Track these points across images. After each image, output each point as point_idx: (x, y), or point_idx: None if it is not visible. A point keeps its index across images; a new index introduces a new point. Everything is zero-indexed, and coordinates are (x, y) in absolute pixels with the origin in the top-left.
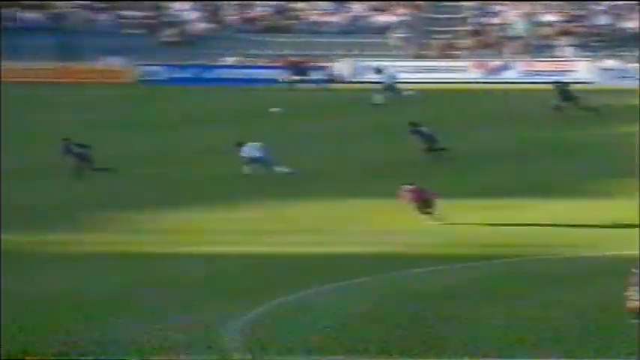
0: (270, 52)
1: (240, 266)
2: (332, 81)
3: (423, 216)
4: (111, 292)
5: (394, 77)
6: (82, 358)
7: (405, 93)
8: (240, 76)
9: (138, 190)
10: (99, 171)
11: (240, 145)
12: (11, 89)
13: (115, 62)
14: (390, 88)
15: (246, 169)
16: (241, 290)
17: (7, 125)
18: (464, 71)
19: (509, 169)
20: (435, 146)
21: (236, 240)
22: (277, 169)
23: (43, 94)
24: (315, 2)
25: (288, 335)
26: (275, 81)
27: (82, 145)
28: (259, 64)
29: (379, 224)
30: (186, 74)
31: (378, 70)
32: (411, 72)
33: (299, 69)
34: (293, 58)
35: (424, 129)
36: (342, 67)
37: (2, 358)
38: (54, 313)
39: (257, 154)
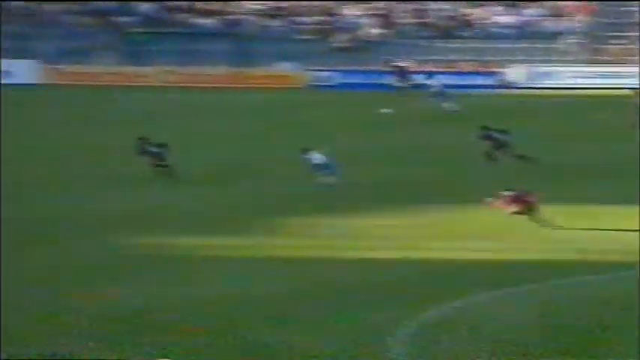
0: (442, 57)
1: (407, 272)
2: (504, 86)
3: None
4: (291, 294)
5: (443, 84)
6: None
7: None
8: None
9: (313, 194)
10: (163, 168)
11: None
12: (184, 94)
13: (286, 67)
14: (440, 94)
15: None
16: (413, 296)
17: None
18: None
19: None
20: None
21: (404, 245)
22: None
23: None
24: (488, 6)
25: (457, 342)
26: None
27: (159, 145)
28: (431, 69)
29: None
30: (358, 79)
31: (429, 76)
32: (585, 77)
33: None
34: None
35: (496, 134)
36: (515, 72)
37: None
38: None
39: (321, 161)
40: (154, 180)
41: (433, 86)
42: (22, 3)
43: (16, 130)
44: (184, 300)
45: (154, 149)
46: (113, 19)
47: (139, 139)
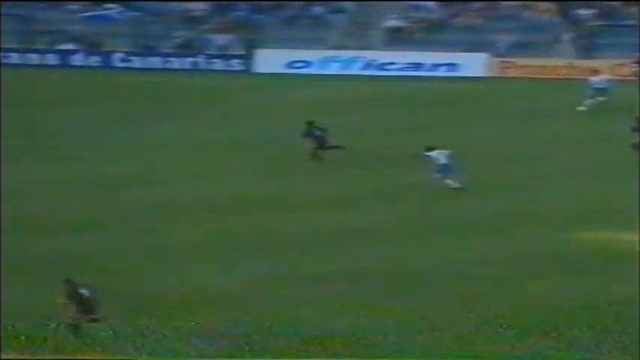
0: None
1: None
2: None
3: None
4: None
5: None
6: None
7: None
8: None
9: None
10: (330, 149)
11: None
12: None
13: None
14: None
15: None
16: None
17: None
18: None
19: None
20: None
21: None
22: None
23: None
24: None
25: None
26: None
27: (321, 129)
28: None
29: None
30: None
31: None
32: None
33: None
34: None
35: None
36: None
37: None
38: None
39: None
40: None
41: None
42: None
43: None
44: None
45: (318, 133)
46: (572, 12)
47: (307, 122)
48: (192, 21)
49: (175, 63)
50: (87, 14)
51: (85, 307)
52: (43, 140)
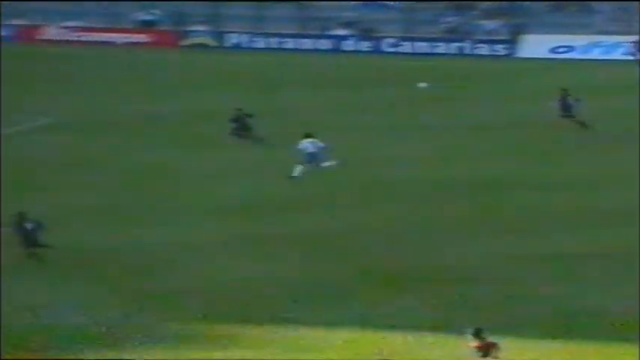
0: None
1: None
2: None
3: None
4: None
5: None
6: None
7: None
8: None
9: None
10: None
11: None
12: None
13: None
14: None
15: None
16: None
17: None
18: None
19: None
20: None
21: None
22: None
23: None
24: None
25: None
26: None
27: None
28: None
29: None
30: None
31: None
32: None
33: None
34: None
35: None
36: None
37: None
38: None
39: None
40: None
41: None
42: None
43: None
44: None
45: None
46: None
47: None
48: (461, 7)
49: (442, 48)
50: (360, 1)
51: (28, 239)
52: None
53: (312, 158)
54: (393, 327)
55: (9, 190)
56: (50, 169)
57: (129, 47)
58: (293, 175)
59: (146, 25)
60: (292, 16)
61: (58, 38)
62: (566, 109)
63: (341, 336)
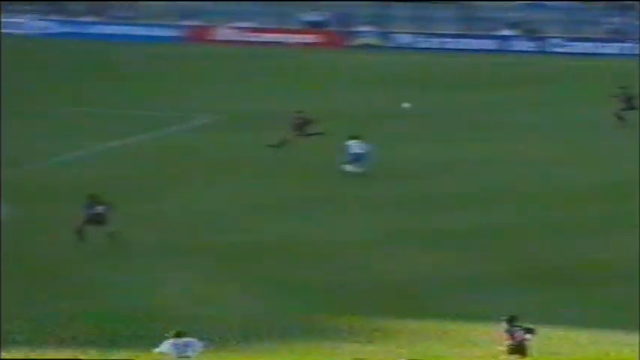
0: None
1: None
2: None
3: None
4: None
5: None
6: None
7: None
8: None
9: None
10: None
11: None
12: None
13: None
14: None
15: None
16: None
17: None
18: None
19: None
20: None
21: None
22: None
23: None
24: None
25: None
26: None
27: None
28: None
29: None
30: None
31: None
32: None
33: None
34: None
35: None
36: None
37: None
38: None
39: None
40: None
41: None
42: None
43: None
44: None
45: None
46: None
47: None
48: (624, 7)
49: (606, 48)
50: (524, 1)
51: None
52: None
53: (358, 158)
54: (549, 322)
55: (182, 185)
56: (217, 165)
57: (298, 47)
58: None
59: (313, 26)
60: (456, 17)
61: (229, 39)
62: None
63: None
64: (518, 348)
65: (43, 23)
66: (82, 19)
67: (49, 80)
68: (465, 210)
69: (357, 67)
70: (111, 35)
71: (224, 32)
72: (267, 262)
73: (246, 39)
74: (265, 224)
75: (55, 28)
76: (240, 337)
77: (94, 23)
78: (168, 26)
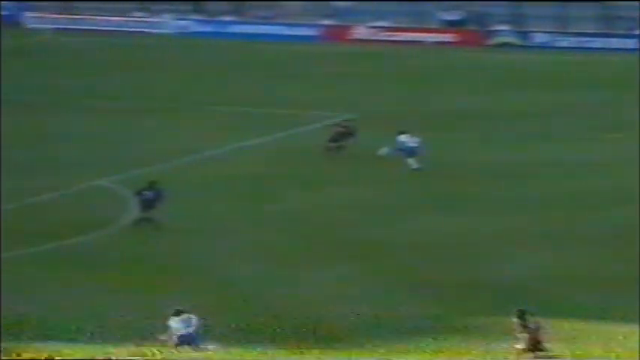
0: None
1: None
2: None
3: None
4: None
5: None
6: None
7: None
8: None
9: None
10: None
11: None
12: None
13: None
14: None
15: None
16: None
17: None
18: None
19: None
20: None
21: None
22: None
23: None
24: None
25: None
26: None
27: None
28: None
29: None
30: None
31: None
32: None
33: None
34: None
35: None
36: None
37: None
38: None
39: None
40: None
41: None
42: None
43: None
44: None
45: None
46: None
47: None
48: None
49: None
50: None
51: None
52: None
53: (411, 153)
54: None
55: (318, 182)
56: (355, 162)
57: (436, 47)
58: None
59: (451, 25)
60: (595, 16)
61: (367, 38)
62: None
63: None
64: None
65: (183, 22)
66: (222, 18)
67: (190, 78)
68: (609, 210)
69: (494, 66)
70: (250, 34)
71: (362, 31)
72: (402, 259)
73: (383, 38)
74: (404, 222)
75: (195, 28)
76: (372, 334)
77: (234, 23)
78: (307, 26)
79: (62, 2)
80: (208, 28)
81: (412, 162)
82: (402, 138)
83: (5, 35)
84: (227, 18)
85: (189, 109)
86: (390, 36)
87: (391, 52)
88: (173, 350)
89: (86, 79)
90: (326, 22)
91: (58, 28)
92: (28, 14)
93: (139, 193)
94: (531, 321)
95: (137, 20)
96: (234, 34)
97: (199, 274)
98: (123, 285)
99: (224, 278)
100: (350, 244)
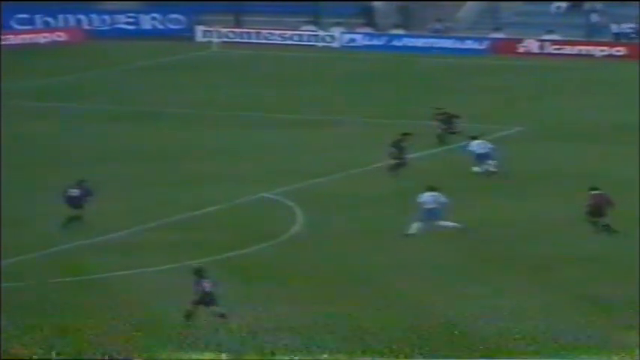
0: None
1: None
2: None
3: None
4: None
5: None
6: None
7: None
8: None
9: None
10: None
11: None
12: None
13: None
14: None
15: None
16: None
17: None
18: None
19: None
20: None
21: None
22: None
23: None
24: None
25: None
26: None
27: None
28: None
29: None
30: None
31: None
32: None
33: None
34: None
35: None
36: None
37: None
38: None
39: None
40: None
41: None
42: None
43: None
44: None
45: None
46: None
47: None
48: None
49: None
50: None
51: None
52: None
53: (481, 159)
54: None
55: (487, 196)
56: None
57: (606, 60)
58: None
59: (622, 38)
60: None
61: (537, 51)
62: None
63: None
64: None
65: (351, 36)
66: (390, 32)
67: (357, 91)
68: None
69: None
70: (418, 48)
71: (532, 45)
72: (573, 275)
73: (552, 52)
74: (574, 238)
75: (363, 41)
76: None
77: (402, 36)
78: (474, 39)
79: (233, 16)
80: (376, 42)
81: (478, 168)
82: (474, 143)
83: (177, 50)
84: (395, 31)
85: (354, 123)
86: (559, 49)
87: (559, 66)
88: None
89: (252, 89)
90: (495, 35)
91: (226, 42)
92: (200, 28)
93: (64, 191)
94: None
95: (305, 33)
96: (400, 47)
97: (364, 284)
98: (302, 296)
99: (390, 290)
100: (524, 258)
